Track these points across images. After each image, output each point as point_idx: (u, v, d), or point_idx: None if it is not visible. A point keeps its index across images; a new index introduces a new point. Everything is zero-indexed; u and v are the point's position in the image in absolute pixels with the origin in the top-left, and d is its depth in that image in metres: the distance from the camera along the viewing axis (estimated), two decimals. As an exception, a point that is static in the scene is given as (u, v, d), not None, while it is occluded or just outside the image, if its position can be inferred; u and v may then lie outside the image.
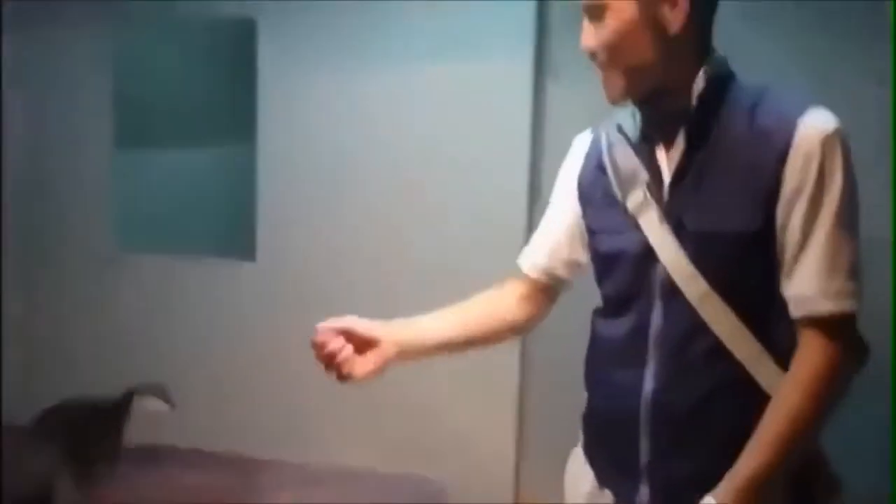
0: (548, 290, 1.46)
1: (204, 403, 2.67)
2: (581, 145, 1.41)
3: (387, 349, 1.38)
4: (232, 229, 2.84)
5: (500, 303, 1.46)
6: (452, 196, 2.47)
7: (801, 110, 1.15)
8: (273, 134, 2.58)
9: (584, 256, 1.40)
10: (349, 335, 1.36)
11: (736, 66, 1.25)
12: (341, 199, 2.55)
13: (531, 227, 2.42)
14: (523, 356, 2.50)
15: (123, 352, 2.78)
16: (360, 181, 2.53)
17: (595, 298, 1.35)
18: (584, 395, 1.39)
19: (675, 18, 1.18)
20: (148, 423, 2.29)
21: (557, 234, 1.43)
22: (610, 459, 1.32)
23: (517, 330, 1.49)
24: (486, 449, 2.51)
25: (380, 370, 1.37)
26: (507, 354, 2.46)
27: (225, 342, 2.69)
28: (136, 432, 2.11)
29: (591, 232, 1.34)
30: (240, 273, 2.67)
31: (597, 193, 1.32)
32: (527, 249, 1.49)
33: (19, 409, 2.23)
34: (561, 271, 1.44)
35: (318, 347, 1.37)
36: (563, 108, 2.38)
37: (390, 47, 2.45)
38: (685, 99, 1.20)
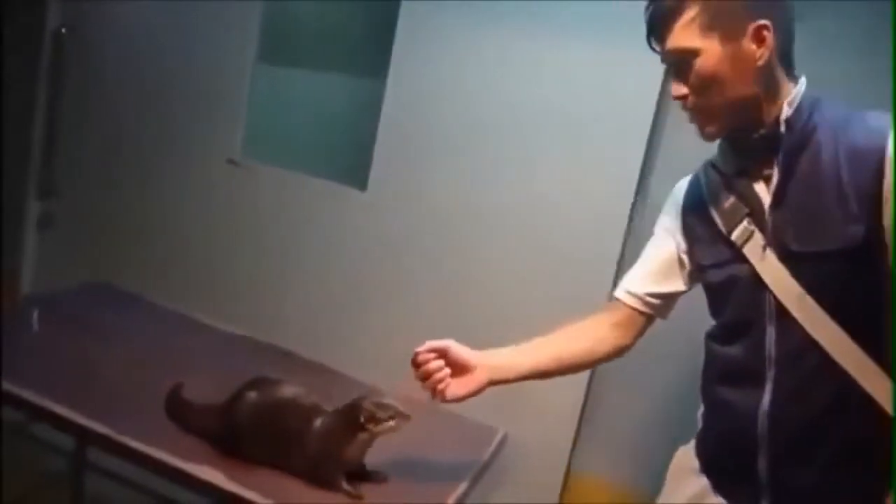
0: (639, 320, 1.53)
1: (293, 314, 2.87)
2: (682, 187, 1.50)
3: (480, 376, 1.50)
4: (350, 157, 2.94)
5: (594, 332, 1.55)
6: (561, 176, 2.51)
7: (887, 125, 1.18)
8: (404, 74, 2.64)
9: (679, 288, 1.49)
10: (447, 357, 1.47)
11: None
12: (456, 153, 2.61)
13: (633, 217, 2.47)
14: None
15: (227, 252, 2.95)
16: (478, 141, 2.58)
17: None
18: (700, 411, 1.49)
19: (759, 51, 1.22)
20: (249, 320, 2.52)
21: (655, 267, 1.50)
22: (729, 474, 1.38)
23: (607, 358, 1.57)
24: (549, 411, 2.59)
25: (472, 395, 1.50)
26: None
27: (324, 263, 2.83)
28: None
29: (702, 267, 1.40)
30: (349, 200, 2.78)
31: (702, 230, 1.39)
32: (624, 278, 1.56)
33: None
34: (655, 301, 1.50)
35: (417, 365, 1.47)
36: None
37: (535, 16, 2.46)
38: (775, 127, 1.24)
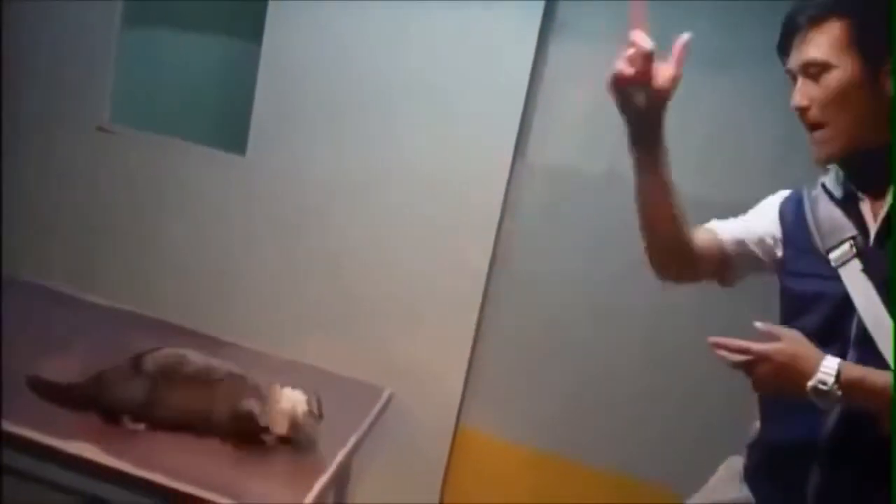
0: (713, 259, 1.46)
1: (171, 284, 2.79)
2: (782, 195, 1.47)
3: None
4: (228, 122, 2.86)
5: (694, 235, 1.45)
6: (438, 143, 2.52)
7: None
8: (278, 39, 2.58)
9: (759, 263, 1.45)
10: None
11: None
12: (334, 119, 2.59)
13: (512, 178, 2.52)
14: (486, 292, 2.61)
15: (100, 225, 2.83)
16: (354, 107, 2.56)
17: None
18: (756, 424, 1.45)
19: (891, 79, 1.20)
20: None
21: (750, 231, 1.46)
22: (776, 486, 1.38)
23: (689, 263, 1.46)
24: (436, 371, 2.62)
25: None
26: (472, 284, 2.57)
27: (203, 230, 2.76)
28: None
29: (788, 272, 1.39)
30: (228, 165, 2.71)
31: (798, 238, 1.37)
32: (720, 222, 1.50)
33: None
34: (743, 251, 1.45)
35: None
36: (563, 67, 2.43)
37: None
38: (889, 155, 1.22)
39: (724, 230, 1.47)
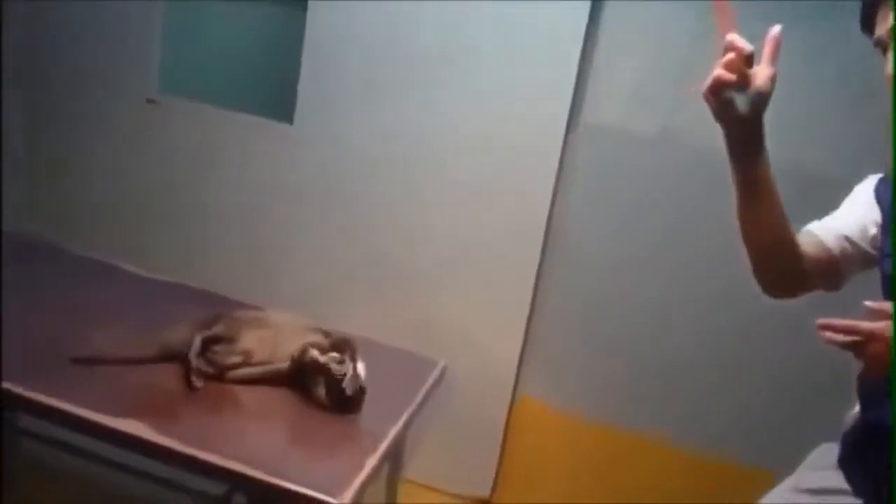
0: (824, 268, 1.37)
1: (220, 255, 2.78)
2: (874, 178, 1.40)
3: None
4: (274, 90, 2.82)
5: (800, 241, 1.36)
6: (489, 102, 2.45)
7: None
8: (323, 6, 2.52)
9: (866, 258, 1.37)
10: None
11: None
12: (379, 82, 2.53)
13: (567, 142, 2.42)
14: (542, 258, 2.52)
15: (149, 196, 2.84)
16: (399, 70, 2.50)
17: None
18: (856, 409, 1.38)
19: None
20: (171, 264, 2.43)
21: (852, 224, 1.38)
22: (868, 476, 1.32)
23: (801, 277, 1.37)
24: (492, 342, 2.58)
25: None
26: (527, 250, 2.50)
27: (252, 200, 2.74)
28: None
29: (885, 255, 1.32)
30: (276, 133, 2.68)
31: (886, 221, 1.31)
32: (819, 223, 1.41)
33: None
34: (850, 249, 1.37)
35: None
36: (617, 29, 2.36)
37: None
38: None
39: (825, 231, 1.38)
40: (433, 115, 2.49)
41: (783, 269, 1.34)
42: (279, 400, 1.67)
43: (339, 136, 2.59)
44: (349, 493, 1.37)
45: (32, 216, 2.86)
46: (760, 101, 1.15)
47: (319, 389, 1.64)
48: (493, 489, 2.71)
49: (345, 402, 1.63)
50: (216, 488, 1.63)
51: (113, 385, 1.60)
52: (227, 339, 1.70)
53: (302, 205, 2.68)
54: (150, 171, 2.82)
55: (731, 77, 1.13)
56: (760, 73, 1.14)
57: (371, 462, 1.48)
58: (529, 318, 2.57)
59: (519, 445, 2.71)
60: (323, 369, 1.63)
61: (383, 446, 1.55)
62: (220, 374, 1.67)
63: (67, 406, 1.49)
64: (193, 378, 1.63)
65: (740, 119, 1.16)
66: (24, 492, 2.21)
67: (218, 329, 1.73)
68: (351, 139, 2.58)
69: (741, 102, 1.15)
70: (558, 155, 2.42)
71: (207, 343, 1.70)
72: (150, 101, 2.78)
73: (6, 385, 1.52)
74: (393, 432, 1.61)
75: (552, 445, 2.69)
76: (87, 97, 2.84)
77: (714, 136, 1.23)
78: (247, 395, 1.66)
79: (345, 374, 1.62)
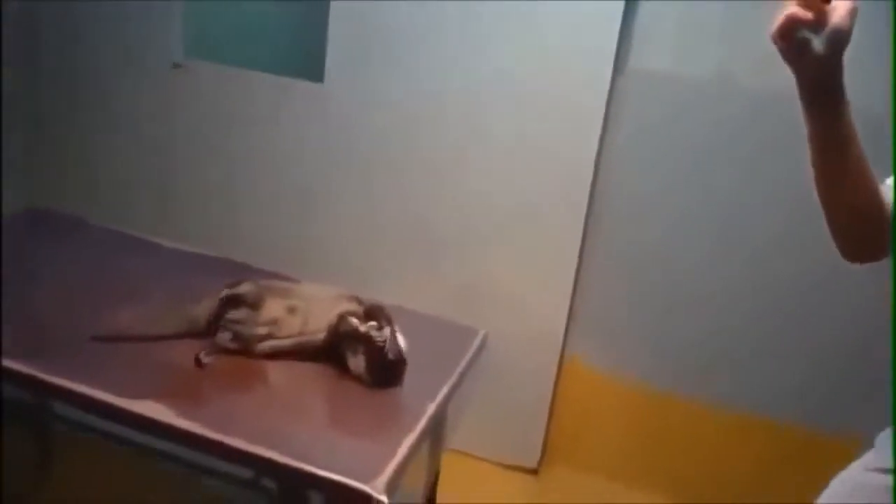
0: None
1: (250, 224, 2.69)
2: None
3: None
4: (302, 50, 2.72)
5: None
6: (529, 49, 2.30)
7: None
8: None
9: None
10: None
11: None
12: (411, 35, 2.39)
13: (613, 89, 2.26)
14: (589, 215, 2.38)
15: (177, 163, 2.76)
16: (432, 21, 2.36)
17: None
18: None
19: None
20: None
21: None
22: None
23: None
24: (538, 305, 2.46)
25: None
26: (573, 207, 2.37)
27: (283, 164, 2.64)
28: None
29: None
30: (306, 93, 2.56)
31: None
32: None
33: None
34: None
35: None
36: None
37: None
38: None
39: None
40: (471, 69, 2.36)
41: (869, 233, 1.16)
42: (311, 375, 1.57)
43: (372, 93, 2.46)
44: (383, 479, 1.27)
45: (59, 190, 2.80)
46: (840, 40, 0.99)
47: (358, 361, 1.53)
48: (541, 458, 2.62)
49: (386, 374, 1.53)
50: (245, 471, 1.53)
51: (134, 364, 1.51)
52: (252, 305, 1.60)
53: (336, 167, 2.57)
54: (179, 138, 2.73)
55: (807, 15, 0.98)
56: (839, 8, 0.98)
57: (408, 443, 1.37)
58: (576, 279, 2.45)
59: (568, 412, 2.62)
60: (363, 338, 1.52)
61: (422, 424, 1.44)
62: (246, 349, 1.57)
63: (84, 388, 1.40)
64: (202, 355, 1.53)
65: (817, 63, 1.01)
66: (62, 478, 2.17)
67: (242, 289, 1.63)
68: (385, 96, 2.45)
69: (817, 43, 1.00)
70: (604, 105, 2.27)
71: (228, 304, 1.59)
72: (176, 65, 2.68)
73: (21, 367, 1.44)
74: (432, 408, 1.50)
75: (603, 412, 2.60)
76: (112, 65, 2.75)
77: (777, 80, 1.09)
78: (276, 370, 1.56)
79: (385, 343, 1.51)
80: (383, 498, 1.24)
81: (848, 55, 1.00)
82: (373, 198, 2.55)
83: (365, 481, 1.25)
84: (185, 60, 2.68)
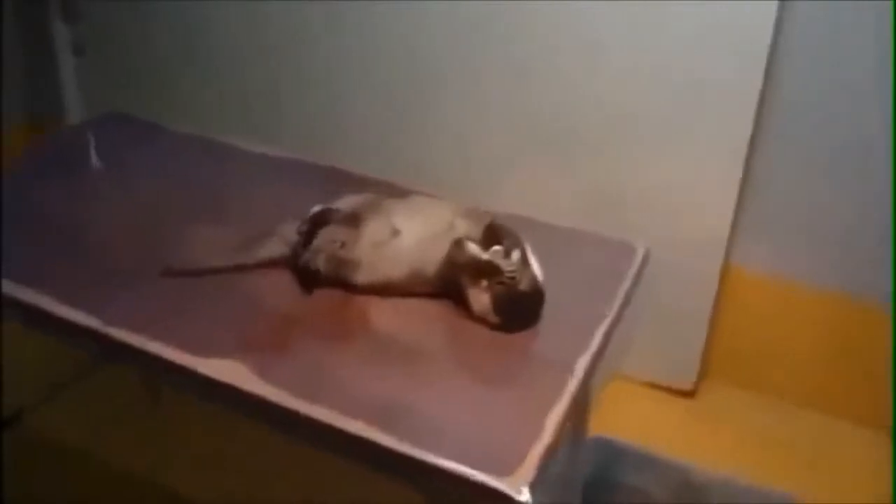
0: None
1: (345, 126, 2.45)
2: None
3: None
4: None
5: None
6: None
7: None
8: None
9: None
10: None
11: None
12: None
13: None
14: (761, 100, 2.00)
15: (259, 65, 2.55)
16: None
17: None
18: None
19: None
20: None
21: None
22: None
23: None
24: (700, 204, 2.15)
25: None
26: (743, 91, 1.99)
27: (377, 52, 2.34)
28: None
29: None
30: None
31: None
32: None
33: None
34: None
35: None
36: None
37: None
38: None
39: None
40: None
41: None
42: (421, 317, 1.24)
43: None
44: (527, 471, 0.94)
45: (152, 98, 2.64)
46: None
47: (482, 297, 1.20)
48: (699, 377, 2.34)
49: (519, 313, 1.20)
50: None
51: (212, 307, 1.23)
52: (351, 224, 1.29)
53: (446, 53, 2.23)
54: (253, 33, 2.49)
55: None
56: None
57: (556, 416, 1.03)
58: (745, 174, 2.08)
59: (729, 326, 2.32)
60: (486, 267, 1.19)
61: (571, 387, 1.09)
62: (342, 279, 1.26)
63: (147, 345, 1.13)
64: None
65: None
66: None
67: (338, 205, 1.34)
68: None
69: None
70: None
71: (320, 222, 1.30)
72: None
73: (74, 316, 1.18)
74: (584, 363, 1.14)
75: (768, 317, 2.30)
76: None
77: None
78: (378, 310, 1.25)
79: (515, 272, 1.17)
80: (525, 498, 0.92)
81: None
82: (494, 86, 2.21)
83: (503, 474, 0.93)
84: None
